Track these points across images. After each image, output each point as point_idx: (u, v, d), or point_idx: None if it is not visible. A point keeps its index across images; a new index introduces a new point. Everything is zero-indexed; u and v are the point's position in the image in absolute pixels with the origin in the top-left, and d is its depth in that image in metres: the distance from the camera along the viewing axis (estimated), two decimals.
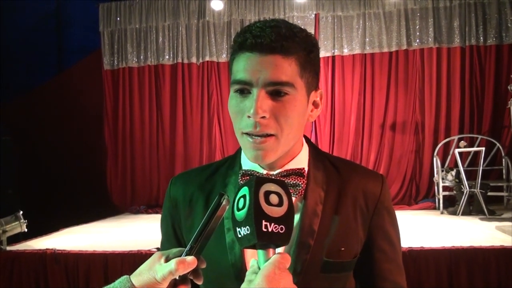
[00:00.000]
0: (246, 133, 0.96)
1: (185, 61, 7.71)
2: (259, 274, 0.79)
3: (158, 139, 7.86)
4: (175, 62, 7.75)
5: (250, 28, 0.96)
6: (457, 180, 6.17)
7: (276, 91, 0.94)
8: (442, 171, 6.39)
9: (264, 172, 1.02)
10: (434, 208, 6.49)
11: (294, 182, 1.01)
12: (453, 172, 6.27)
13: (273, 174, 1.01)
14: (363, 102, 7.33)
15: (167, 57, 7.78)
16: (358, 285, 1.10)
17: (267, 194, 0.80)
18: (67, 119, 8.19)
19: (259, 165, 1.04)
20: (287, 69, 0.94)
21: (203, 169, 1.14)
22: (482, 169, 5.95)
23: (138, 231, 5.66)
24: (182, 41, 7.71)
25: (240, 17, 7.56)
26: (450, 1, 6.99)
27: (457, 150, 6.18)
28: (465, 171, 6.09)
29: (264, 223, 0.78)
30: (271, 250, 0.81)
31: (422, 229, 5.18)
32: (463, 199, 5.85)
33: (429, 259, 3.96)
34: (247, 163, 1.05)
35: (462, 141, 6.39)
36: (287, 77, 0.94)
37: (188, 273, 0.86)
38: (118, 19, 7.90)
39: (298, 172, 1.02)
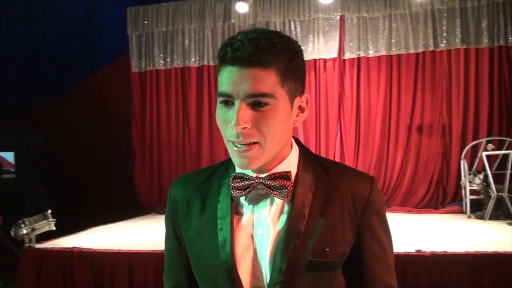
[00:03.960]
0: (232, 141, 1.01)
1: (211, 63, 7.79)
2: None
3: (184, 141, 7.96)
4: (201, 64, 7.84)
5: (232, 41, 0.99)
6: (484, 184, 6.06)
7: (257, 102, 0.98)
8: (470, 174, 6.28)
9: (254, 175, 1.06)
10: (461, 212, 6.38)
11: (281, 184, 1.04)
12: (481, 176, 6.15)
13: (261, 177, 1.05)
14: (389, 104, 7.26)
15: (193, 59, 7.88)
16: (348, 285, 1.12)
17: None
18: (97, 121, 8.38)
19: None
20: (266, 80, 0.97)
21: (201, 172, 1.20)
22: (511, 173, 5.82)
23: (163, 231, 5.72)
24: (208, 44, 7.80)
25: (265, 19, 7.59)
26: (478, 1, 6.86)
27: (484, 153, 6.06)
28: (493, 175, 5.98)
29: None
30: None
31: (448, 233, 5.12)
32: (491, 203, 5.74)
33: (452, 264, 3.90)
34: None
35: (490, 144, 6.27)
36: (267, 89, 0.97)
37: None
38: (146, 22, 8.05)
39: (284, 175, 1.05)
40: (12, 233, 4.36)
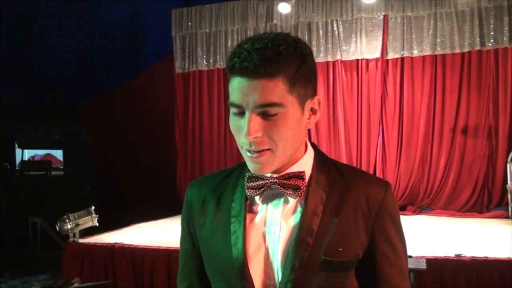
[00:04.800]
0: (245, 148, 1.04)
1: None
2: None
3: (226, 141, 8.04)
4: None
5: (239, 50, 1.01)
6: None
7: (266, 112, 1.00)
8: None
9: (268, 175, 1.08)
10: (507, 217, 6.18)
11: (295, 184, 1.07)
12: None
13: (275, 177, 1.08)
14: (433, 105, 7.08)
15: None
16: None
17: None
18: (141, 120, 8.59)
19: None
20: (274, 90, 0.99)
21: (218, 174, 1.23)
22: None
23: None
24: None
25: (307, 19, 7.57)
26: None
27: None
28: None
29: None
30: None
31: (491, 238, 4.97)
32: None
33: (493, 270, 3.79)
34: None
35: None
36: (275, 98, 0.99)
37: None
38: (190, 24, 8.19)
39: (298, 175, 1.07)
40: (57, 227, 4.56)
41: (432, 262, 3.75)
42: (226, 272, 1.09)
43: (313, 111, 1.09)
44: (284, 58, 0.99)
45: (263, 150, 1.02)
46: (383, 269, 1.10)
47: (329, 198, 1.08)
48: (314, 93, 1.08)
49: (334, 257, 1.05)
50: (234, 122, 1.05)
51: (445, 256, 3.89)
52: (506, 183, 6.34)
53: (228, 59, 1.03)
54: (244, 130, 1.00)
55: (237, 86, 1.01)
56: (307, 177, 1.09)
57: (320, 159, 1.15)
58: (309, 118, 1.09)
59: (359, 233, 1.08)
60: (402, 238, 1.14)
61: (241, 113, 1.02)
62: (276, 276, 1.06)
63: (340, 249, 1.05)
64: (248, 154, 1.04)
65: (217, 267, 1.12)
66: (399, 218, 1.14)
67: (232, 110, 1.04)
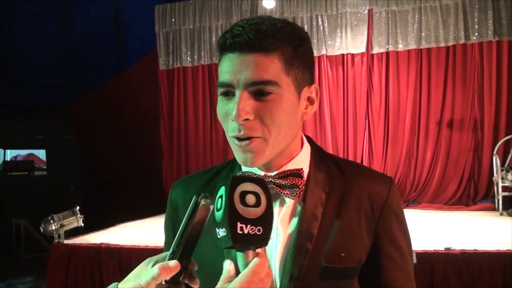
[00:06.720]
0: (234, 137, 0.94)
1: None
2: (233, 283, 0.77)
3: (211, 137, 8.00)
4: None
5: (232, 28, 0.92)
6: None
7: (259, 91, 0.90)
8: (502, 170, 6.11)
9: (262, 173, 0.99)
10: (494, 209, 6.22)
11: (292, 183, 0.97)
12: None
13: (270, 176, 0.98)
14: (419, 99, 7.13)
15: None
16: None
17: (243, 194, 0.78)
18: (126, 118, 8.51)
19: (257, 167, 1.01)
20: (268, 67, 0.90)
21: (205, 173, 1.13)
22: None
23: None
24: None
25: (292, 15, 7.54)
26: None
27: None
28: None
29: (239, 225, 0.76)
30: (250, 252, 0.78)
31: (479, 230, 4.99)
32: None
33: (483, 262, 3.80)
34: None
35: None
36: (270, 75, 0.90)
37: (180, 277, 0.83)
38: (173, 20, 8.11)
39: (296, 173, 0.97)
40: (41, 229, 4.46)
41: (422, 256, 3.75)
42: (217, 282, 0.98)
43: (310, 101, 1.01)
44: (282, 35, 0.91)
45: (253, 138, 0.92)
46: (389, 274, 1.01)
47: (329, 199, 0.99)
48: (311, 81, 0.99)
49: (336, 263, 0.96)
50: (223, 107, 0.94)
51: (434, 250, 3.88)
52: (492, 175, 6.39)
53: (220, 38, 0.94)
54: (233, 112, 0.89)
55: (228, 64, 0.91)
56: (305, 175, 0.99)
57: (318, 154, 1.06)
58: (306, 108, 1.00)
59: (362, 236, 0.99)
60: (407, 239, 1.05)
61: (231, 96, 0.92)
62: (274, 286, 0.97)
63: (342, 255, 0.96)
64: (237, 142, 0.93)
65: (206, 277, 0.96)
66: (404, 216, 1.06)
67: (221, 92, 0.94)
